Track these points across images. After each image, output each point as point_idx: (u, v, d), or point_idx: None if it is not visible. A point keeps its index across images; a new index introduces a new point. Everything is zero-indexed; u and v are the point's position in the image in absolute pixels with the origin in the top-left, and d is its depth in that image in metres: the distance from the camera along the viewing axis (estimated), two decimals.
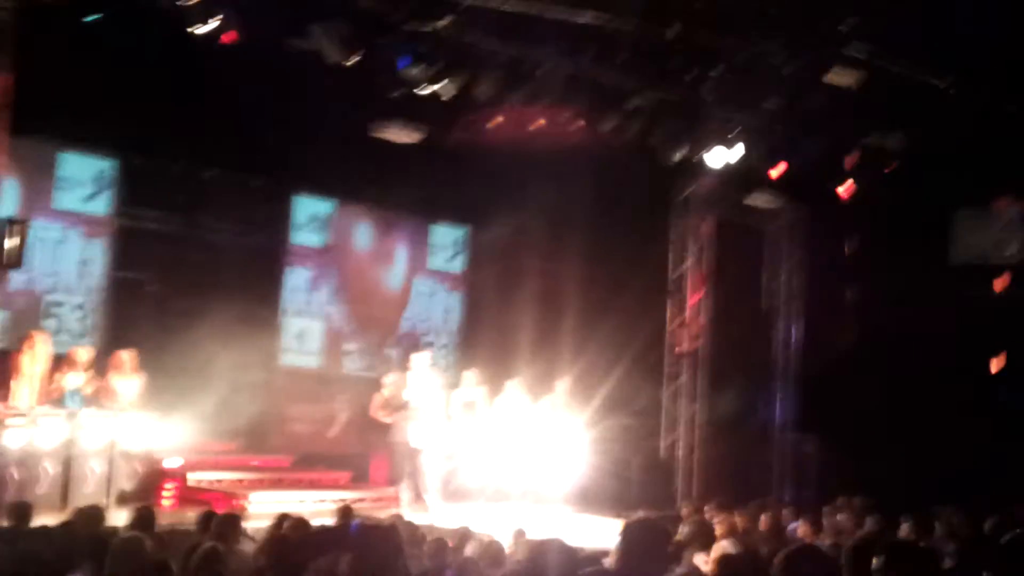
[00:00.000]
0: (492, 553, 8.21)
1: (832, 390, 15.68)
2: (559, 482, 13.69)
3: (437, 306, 17.35)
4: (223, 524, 7.92)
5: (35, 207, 13.26)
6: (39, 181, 13.48)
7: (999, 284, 15.34)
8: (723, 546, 7.82)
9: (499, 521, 11.38)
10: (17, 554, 7.05)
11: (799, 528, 10.55)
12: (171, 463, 12.23)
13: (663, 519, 9.25)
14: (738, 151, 13.98)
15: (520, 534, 9.29)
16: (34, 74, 11.21)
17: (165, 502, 11.95)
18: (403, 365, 13.91)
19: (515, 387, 13.89)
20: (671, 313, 16.58)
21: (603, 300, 15.61)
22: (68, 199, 13.81)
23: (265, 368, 14.98)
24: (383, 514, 10.81)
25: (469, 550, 8.41)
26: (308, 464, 14.45)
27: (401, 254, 16.98)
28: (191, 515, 9.64)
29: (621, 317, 15.37)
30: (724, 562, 6.63)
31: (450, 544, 8.39)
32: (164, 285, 14.54)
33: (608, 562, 6.19)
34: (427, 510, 12.42)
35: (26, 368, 11.36)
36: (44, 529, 8.11)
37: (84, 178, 13.92)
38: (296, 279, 15.85)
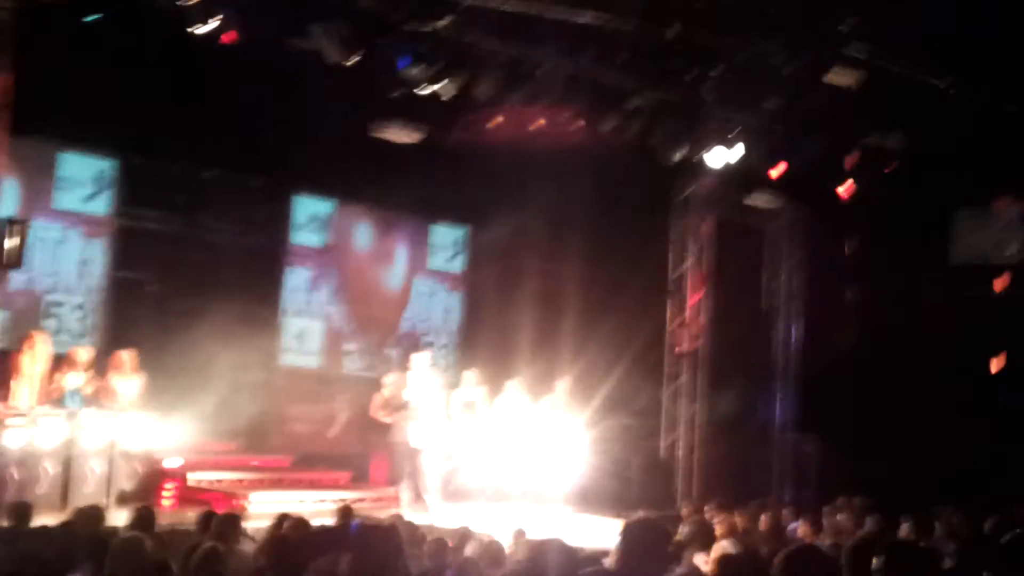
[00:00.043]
0: (492, 553, 8.21)
1: (832, 390, 15.68)
2: (559, 482, 13.68)
3: (437, 306, 17.35)
4: (223, 524, 7.92)
5: (35, 207, 13.26)
6: (39, 181, 13.48)
7: (999, 284, 15.35)
8: (723, 546, 7.82)
9: (499, 521, 11.38)
10: (17, 554, 7.05)
11: (799, 528, 10.55)
12: (171, 463, 12.23)
13: (663, 519, 9.24)
14: (738, 151, 13.98)
15: (520, 534, 9.29)
16: (34, 74, 11.21)
17: (165, 502, 11.95)
18: (403, 365, 13.91)
19: (515, 387, 13.89)
20: (671, 313, 16.58)
21: (603, 300, 15.61)
22: (68, 199, 13.81)
23: (265, 368, 14.98)
24: (383, 514, 10.81)
25: (469, 550, 8.42)
26: (308, 464, 14.45)
27: (401, 254, 16.98)
28: (191, 515, 9.64)
29: (621, 317, 15.37)
30: (724, 562, 6.62)
31: (450, 544, 8.39)
32: (164, 285, 14.54)
33: (608, 562, 6.19)
34: (427, 510, 12.42)
35: (26, 368, 11.36)
36: (44, 529, 8.11)
37: (84, 178, 13.92)
38: (296, 279, 15.84)
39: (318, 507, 11.73)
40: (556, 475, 13.65)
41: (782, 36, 12.09)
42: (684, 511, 11.56)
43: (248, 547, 8.08)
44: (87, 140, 13.63)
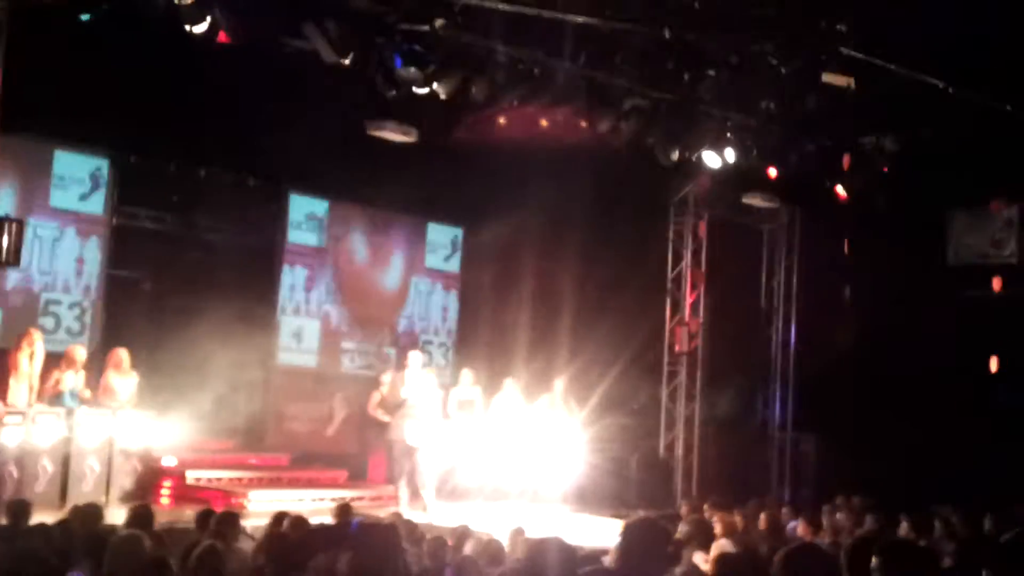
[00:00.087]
0: (491, 552, 8.21)
1: (830, 389, 15.70)
2: (557, 481, 13.69)
3: (434, 305, 17.34)
4: (222, 522, 7.91)
5: (31, 205, 13.25)
6: (35, 179, 13.47)
7: (997, 284, 15.38)
8: (722, 545, 7.82)
9: (498, 520, 11.38)
10: (15, 552, 7.02)
11: (798, 527, 10.56)
12: (169, 461, 12.22)
13: (662, 518, 9.25)
14: (735, 151, 13.99)
15: (519, 533, 9.28)
16: (29, 72, 11.19)
17: (163, 500, 11.95)
18: (400, 364, 13.91)
19: (513, 386, 13.89)
20: (669, 312, 16.60)
21: (600, 299, 15.62)
22: (64, 197, 13.79)
23: (262, 367, 14.97)
24: (381, 513, 10.81)
25: (468, 549, 8.41)
26: (306, 463, 14.44)
27: (398, 253, 16.97)
28: (189, 513, 9.64)
29: (619, 316, 15.38)
30: (723, 561, 6.61)
31: (449, 543, 8.39)
32: (160, 284, 14.55)
33: (608, 560, 6.19)
34: (425, 509, 12.42)
35: (23, 366, 11.34)
36: (42, 527, 8.08)
37: (80, 176, 13.90)
38: (293, 278, 15.83)
39: (316, 505, 11.73)
40: (554, 474, 13.65)
41: (778, 37, 12.10)
42: (683, 510, 11.57)
43: (247, 545, 8.08)
44: (83, 138, 13.62)
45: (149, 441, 11.83)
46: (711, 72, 12.56)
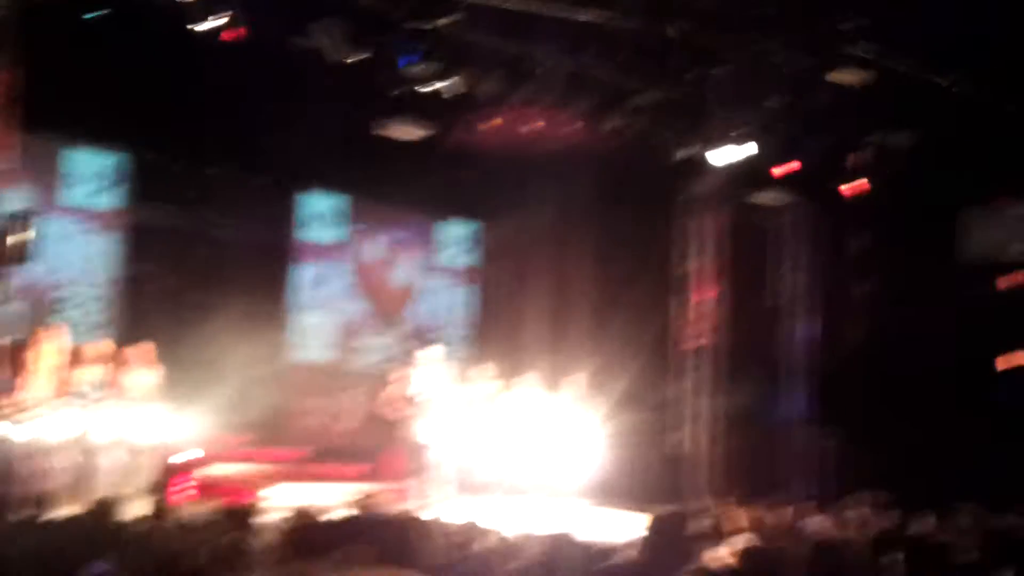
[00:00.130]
0: (506, 547, 8.21)
1: (850, 385, 15.67)
2: (573, 476, 13.69)
3: (447, 301, 17.37)
4: (241, 516, 7.94)
5: (44, 203, 13.31)
6: (47, 177, 13.53)
7: (1008, 281, 15.34)
8: (744, 540, 7.81)
9: (513, 515, 11.38)
10: (35, 545, 7.06)
11: (818, 523, 10.52)
12: (187, 456, 12.25)
13: (683, 512, 9.24)
14: (744, 149, 13.97)
15: (534, 528, 9.28)
16: (40, 70, 11.23)
17: (181, 495, 11.97)
18: (414, 360, 13.93)
19: (528, 382, 13.89)
20: (683, 309, 16.58)
21: (615, 295, 15.62)
22: (76, 195, 13.85)
23: (278, 362, 15.02)
24: (395, 508, 10.82)
25: (483, 544, 8.41)
26: (322, 458, 14.47)
27: (411, 250, 17.00)
28: (207, 508, 9.65)
29: (635, 311, 15.38)
30: (747, 555, 6.61)
31: (464, 538, 8.39)
32: (176, 280, 14.58)
33: (631, 554, 6.19)
34: (439, 504, 12.43)
35: (41, 361, 11.38)
36: (64, 520, 8.12)
37: (92, 174, 13.96)
38: (306, 275, 15.88)
39: (334, 500, 11.73)
40: (570, 469, 13.66)
41: (785, 34, 12.10)
42: (703, 505, 11.55)
43: (266, 539, 8.09)
44: (94, 136, 13.68)
45: (169, 435, 11.87)
46: (718, 70, 12.56)
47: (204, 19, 11.11)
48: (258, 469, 13.17)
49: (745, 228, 16.71)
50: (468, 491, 13.32)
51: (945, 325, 14.90)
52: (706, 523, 8.16)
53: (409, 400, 13.03)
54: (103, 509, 8.05)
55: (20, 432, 10.74)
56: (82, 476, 11.09)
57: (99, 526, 7.59)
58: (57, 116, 12.54)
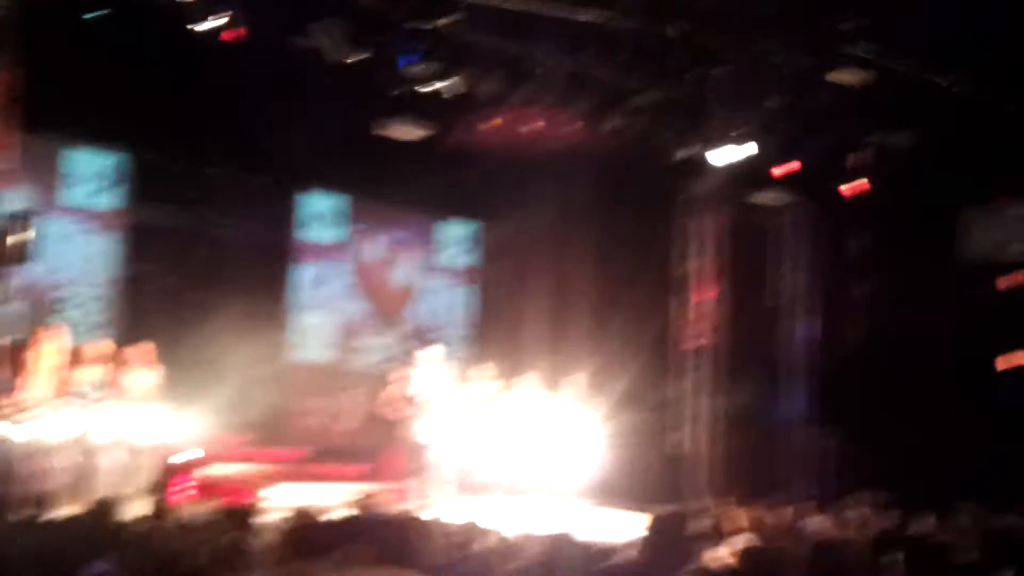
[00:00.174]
0: (506, 547, 8.21)
1: (849, 385, 15.67)
2: (573, 476, 13.69)
3: (448, 301, 17.37)
4: (240, 516, 7.94)
5: (44, 203, 13.32)
6: (47, 177, 13.54)
7: (1008, 281, 15.34)
8: (742, 540, 7.81)
9: (513, 515, 11.38)
10: (34, 545, 7.06)
11: (818, 523, 10.52)
12: (186, 456, 12.25)
13: (682, 513, 9.24)
14: (744, 149, 13.98)
15: (535, 528, 9.29)
16: (39, 70, 11.24)
17: (181, 495, 11.96)
18: (414, 360, 13.93)
19: (528, 381, 13.90)
20: (683, 309, 16.58)
21: (615, 295, 15.62)
22: (76, 194, 13.85)
23: (278, 362, 15.02)
24: (396, 508, 10.82)
25: (482, 544, 8.41)
26: (323, 458, 14.47)
27: (411, 250, 17.01)
28: (207, 508, 9.65)
29: (634, 311, 15.38)
30: (745, 556, 6.62)
31: (464, 538, 8.39)
32: (176, 280, 14.59)
33: (631, 554, 6.20)
34: (439, 504, 12.43)
35: (41, 361, 11.38)
36: (63, 520, 8.12)
37: (91, 174, 13.97)
38: (306, 275, 15.88)
39: (332, 501, 11.73)
40: (570, 469, 13.66)
41: (785, 34, 12.11)
42: (702, 505, 11.55)
43: (264, 540, 8.09)
44: (94, 136, 13.69)
45: (169, 435, 11.87)
46: (718, 70, 12.56)
47: (204, 19, 11.12)
48: (258, 469, 13.18)
49: (745, 228, 16.71)
50: (468, 491, 13.32)
51: (945, 325, 14.90)
52: (706, 523, 8.17)
53: (409, 400, 13.03)
54: (103, 509, 8.06)
55: (20, 432, 10.74)
56: (82, 476, 11.09)
57: (99, 526, 7.59)
58: (57, 116, 12.54)
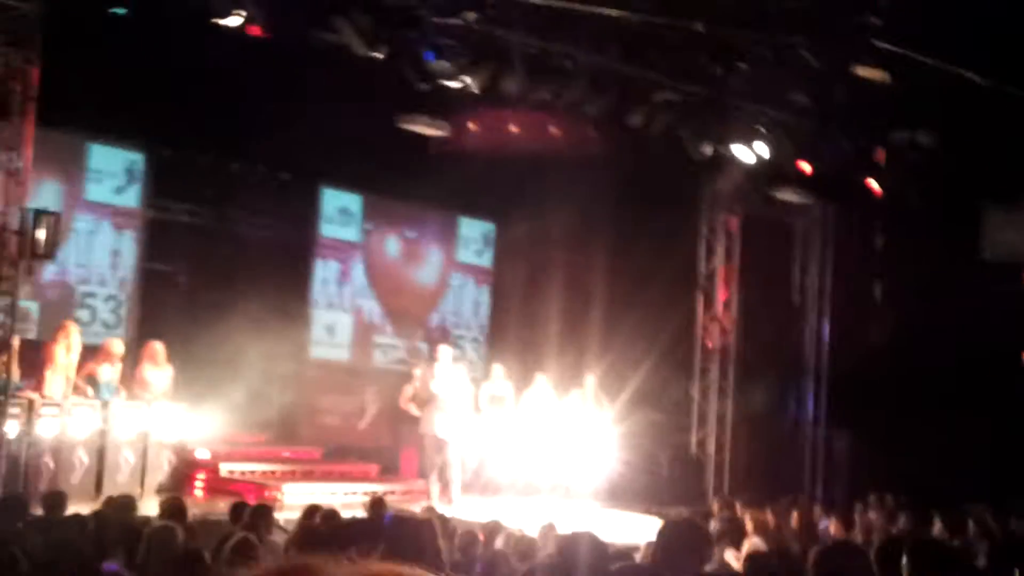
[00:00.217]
0: (522, 546, 8.23)
1: (863, 386, 15.60)
2: (588, 477, 13.69)
3: (467, 300, 17.36)
4: (255, 515, 7.98)
5: (68, 199, 13.38)
6: (71, 173, 13.59)
7: None
8: (754, 543, 7.81)
9: (529, 515, 11.39)
10: (51, 542, 7.11)
11: (830, 525, 10.51)
12: (202, 454, 12.31)
13: (694, 515, 9.24)
14: (767, 146, 13.93)
15: (550, 528, 9.29)
16: (63, 67, 11.29)
17: (197, 492, 12.03)
18: (432, 358, 13.95)
19: (544, 381, 13.90)
20: (700, 308, 16.54)
21: (631, 295, 15.58)
22: (99, 191, 13.90)
23: (295, 360, 15.04)
24: (413, 507, 10.85)
25: (499, 543, 8.43)
26: (338, 456, 14.51)
27: (433, 248, 17.01)
28: (223, 506, 9.70)
29: (649, 312, 15.33)
30: (754, 559, 6.62)
31: (480, 537, 8.41)
32: (195, 277, 14.64)
33: (644, 555, 6.20)
34: (455, 503, 12.45)
35: (59, 358, 11.44)
36: (77, 518, 8.17)
37: (114, 170, 14.01)
38: (326, 272, 15.89)
39: (349, 499, 11.77)
40: (585, 470, 13.66)
41: (811, 30, 12.04)
42: (714, 507, 11.54)
43: (279, 538, 8.13)
44: (117, 133, 13.73)
45: (183, 433, 11.92)
46: (743, 66, 12.51)
47: (226, 15, 11.14)
48: (272, 467, 13.21)
49: (766, 226, 16.65)
50: (484, 490, 13.34)
51: (967, 325, 14.82)
52: (715, 526, 8.15)
53: (427, 398, 13.05)
54: (116, 507, 8.11)
55: (36, 429, 10.80)
56: (97, 473, 11.15)
57: (112, 523, 7.63)
58: (81, 112, 12.60)
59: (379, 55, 11.51)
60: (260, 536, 7.34)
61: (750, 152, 13.88)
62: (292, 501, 11.22)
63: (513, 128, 14.89)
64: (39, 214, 11.18)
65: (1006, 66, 12.33)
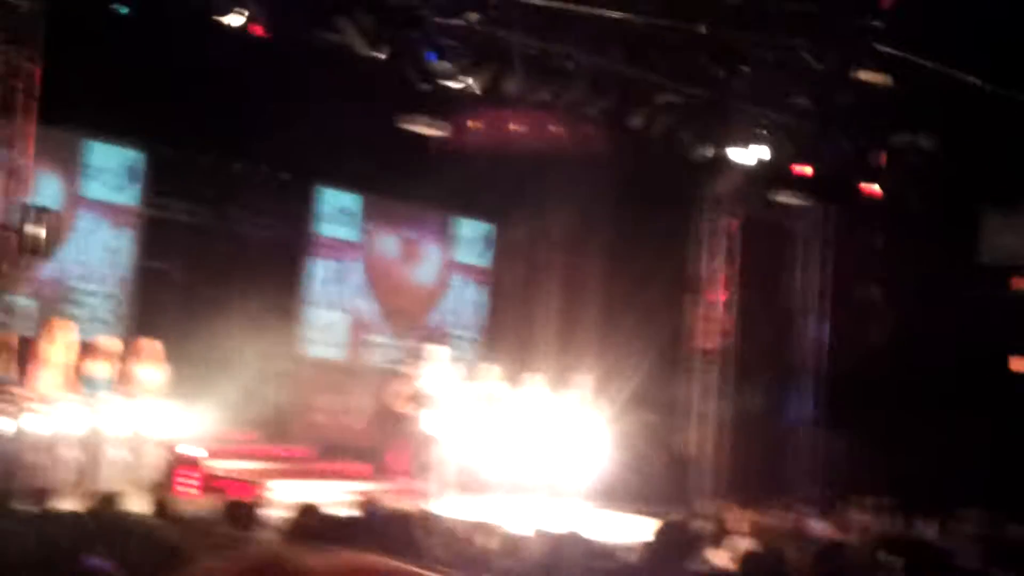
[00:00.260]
0: (510, 545, 8.18)
1: (857, 388, 15.58)
2: (579, 477, 13.66)
3: (464, 300, 17.36)
4: (245, 513, 7.93)
5: (65, 196, 13.37)
6: (68, 170, 13.58)
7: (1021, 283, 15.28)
8: (746, 544, 7.77)
9: (518, 514, 11.35)
10: (37, 538, 7.07)
11: (823, 527, 10.48)
12: (193, 451, 12.27)
13: (687, 516, 9.22)
14: (768, 148, 13.91)
15: (539, 527, 9.26)
16: (63, 64, 11.28)
17: (188, 490, 11.98)
18: (425, 357, 13.92)
19: (537, 381, 13.87)
20: (697, 310, 16.51)
21: (629, 296, 15.56)
22: (97, 189, 13.89)
23: (289, 359, 15.03)
24: (403, 505, 10.80)
25: (487, 542, 8.39)
26: (330, 455, 14.47)
27: (432, 248, 17.00)
28: (212, 503, 9.65)
29: (645, 313, 15.31)
30: (747, 560, 6.58)
31: (469, 536, 8.37)
32: (191, 275, 14.61)
33: (635, 556, 6.17)
34: (445, 501, 12.41)
35: (52, 355, 11.42)
36: (64, 514, 8.13)
37: (113, 168, 14.01)
38: (322, 271, 15.89)
39: (340, 498, 11.72)
40: (577, 470, 13.62)
41: (813, 33, 12.04)
42: (706, 508, 11.51)
43: (269, 536, 8.08)
44: (116, 131, 13.72)
45: (176, 431, 11.88)
46: (745, 68, 12.50)
47: (226, 14, 11.13)
48: (264, 465, 13.17)
49: (763, 228, 16.63)
50: (474, 489, 13.30)
51: (962, 327, 14.80)
52: (709, 526, 8.12)
53: (418, 398, 13.02)
54: (105, 503, 8.07)
55: (28, 425, 10.77)
56: (88, 470, 11.12)
57: (101, 520, 7.59)
58: (79, 109, 12.59)
59: (381, 55, 11.51)
60: (248, 533, 7.30)
61: (751, 154, 13.87)
62: (283, 499, 11.16)
63: (513, 129, 14.88)
64: (40, 212, 11.17)
65: (1007, 70, 12.32)
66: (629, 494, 14.17)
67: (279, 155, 14.57)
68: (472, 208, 17.10)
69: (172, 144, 14.04)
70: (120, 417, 11.44)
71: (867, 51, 12.01)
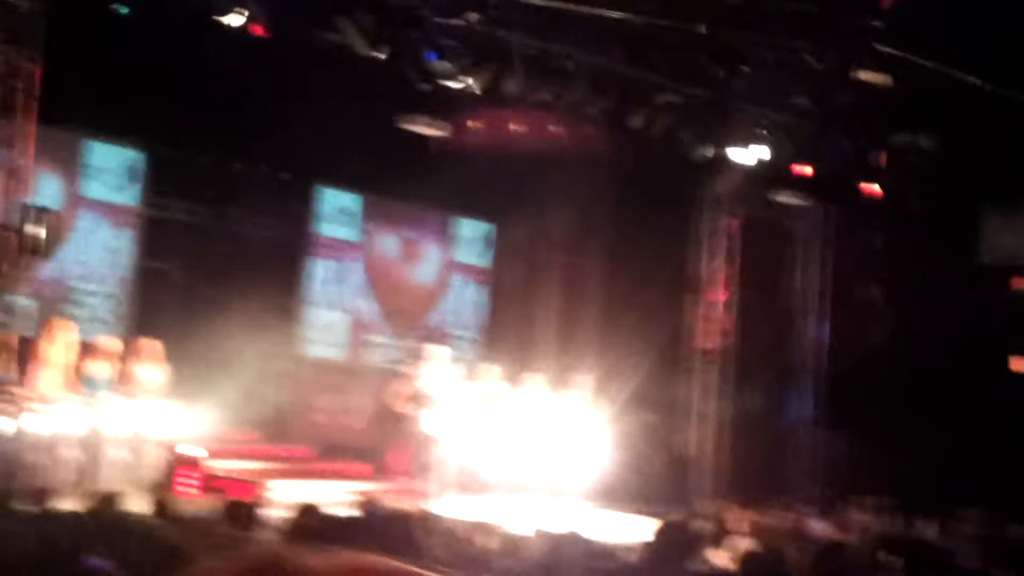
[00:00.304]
0: (510, 545, 8.18)
1: (858, 388, 15.59)
2: (579, 477, 13.66)
3: (464, 300, 17.36)
4: (245, 513, 7.93)
5: (65, 196, 13.37)
6: (68, 170, 13.58)
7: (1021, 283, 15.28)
8: (746, 544, 7.77)
9: (518, 514, 11.35)
10: (37, 538, 7.07)
11: (823, 527, 10.48)
12: (193, 451, 12.27)
13: (687, 516, 9.21)
14: (766, 148, 13.91)
15: (539, 527, 9.25)
16: (63, 64, 11.28)
17: (188, 490, 11.98)
18: (425, 357, 13.93)
19: (537, 381, 13.87)
20: (697, 310, 16.51)
21: (629, 296, 15.56)
22: (97, 189, 13.90)
23: (289, 359, 15.04)
24: (403, 505, 10.80)
25: (487, 542, 8.39)
26: (330, 455, 14.47)
27: (432, 248, 17.01)
28: (212, 503, 9.65)
29: (645, 313, 15.31)
30: (746, 560, 6.58)
31: (469, 536, 8.37)
32: (191, 275, 14.62)
33: (635, 556, 6.17)
34: (445, 501, 12.41)
35: (52, 355, 11.42)
36: (63, 514, 8.13)
37: (113, 168, 14.01)
38: (322, 271, 15.89)
39: (340, 498, 11.72)
40: (576, 470, 13.62)
41: (813, 33, 12.04)
42: (707, 508, 11.51)
43: (269, 536, 8.08)
44: (116, 131, 13.73)
45: (176, 431, 11.88)
46: (745, 68, 12.51)
47: (226, 14, 11.14)
48: (264, 465, 13.17)
49: (763, 228, 16.64)
50: (474, 489, 13.30)
51: (962, 328, 14.81)
52: (709, 526, 8.12)
53: (418, 397, 13.03)
54: (106, 503, 8.07)
55: (28, 425, 10.77)
56: (88, 470, 11.12)
57: (101, 520, 7.59)
58: (79, 109, 12.59)
59: (381, 55, 11.51)
60: (248, 533, 7.30)
61: (751, 154, 13.87)
62: (283, 499, 11.16)
63: (513, 129, 14.89)
64: (40, 212, 11.17)
65: (1007, 70, 12.32)
66: (629, 494, 14.17)
67: (279, 155, 14.57)
68: (472, 208, 17.10)
69: (172, 144, 14.04)
70: (120, 417, 11.44)
71: (867, 51, 12.02)
